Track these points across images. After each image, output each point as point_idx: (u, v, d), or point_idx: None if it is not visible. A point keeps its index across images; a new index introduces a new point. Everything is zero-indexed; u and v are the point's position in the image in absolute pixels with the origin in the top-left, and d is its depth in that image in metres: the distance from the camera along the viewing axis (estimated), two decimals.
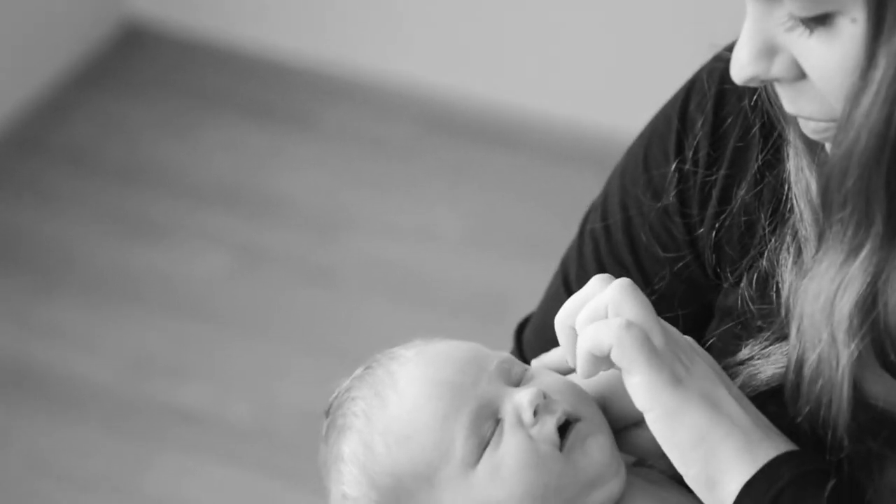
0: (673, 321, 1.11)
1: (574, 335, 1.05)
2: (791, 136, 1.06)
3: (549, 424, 1.07)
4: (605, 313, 1.04)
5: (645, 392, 1.02)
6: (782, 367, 1.06)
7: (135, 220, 3.11)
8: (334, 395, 1.15)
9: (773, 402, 1.06)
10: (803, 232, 1.05)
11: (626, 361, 1.02)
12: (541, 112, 3.30)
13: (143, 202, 3.15)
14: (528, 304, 1.32)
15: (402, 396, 1.10)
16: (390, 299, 2.96)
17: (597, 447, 1.08)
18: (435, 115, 3.35)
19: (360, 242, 3.09)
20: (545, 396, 1.07)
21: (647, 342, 1.02)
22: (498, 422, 1.08)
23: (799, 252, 1.05)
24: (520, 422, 1.07)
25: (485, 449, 1.07)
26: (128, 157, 3.25)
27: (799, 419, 1.04)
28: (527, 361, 1.21)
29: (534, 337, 1.24)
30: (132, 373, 2.79)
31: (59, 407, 2.72)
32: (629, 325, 1.02)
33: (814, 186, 1.04)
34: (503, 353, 1.13)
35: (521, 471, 1.06)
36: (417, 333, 2.94)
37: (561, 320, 1.07)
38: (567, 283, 1.21)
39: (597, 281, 1.06)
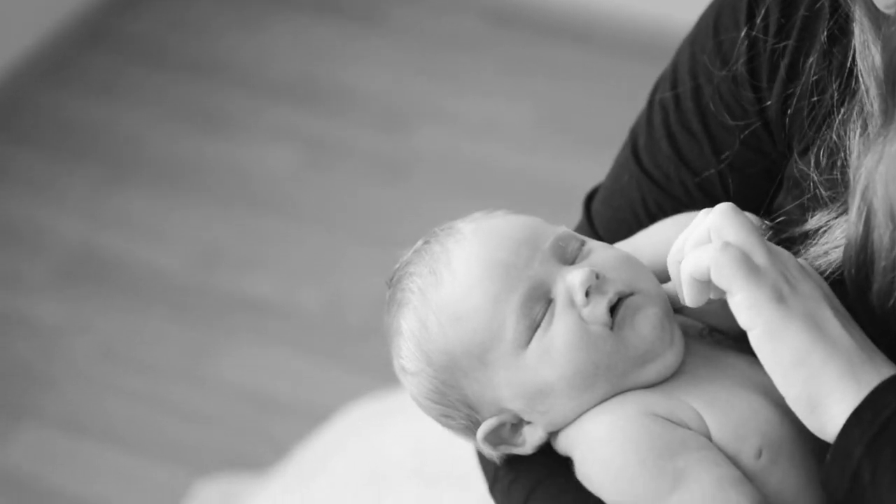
0: (741, 190, 1.11)
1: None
2: (857, 12, 1.05)
3: (601, 305, 1.07)
4: (707, 239, 1.04)
5: (746, 310, 1.01)
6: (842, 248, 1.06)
7: (205, 113, 3.14)
8: (396, 266, 1.16)
9: (836, 294, 1.06)
10: (869, 107, 1.04)
11: (724, 281, 1.01)
12: (610, 5, 3.28)
13: (214, 96, 3.18)
14: None
15: (455, 276, 1.10)
16: (457, 192, 2.98)
17: (647, 322, 1.07)
18: (502, 8, 3.34)
19: (429, 136, 3.11)
20: (598, 276, 1.07)
21: (745, 261, 1.01)
22: (549, 303, 1.08)
23: (865, 126, 1.05)
24: (571, 303, 1.07)
25: (536, 330, 1.08)
26: (198, 52, 3.28)
27: (860, 300, 1.04)
28: (595, 230, 1.21)
29: (602, 206, 1.23)
30: (202, 263, 2.83)
31: (130, 296, 2.77)
32: (725, 245, 1.01)
33: (878, 62, 1.03)
34: (561, 227, 1.12)
35: (571, 352, 1.07)
36: None
37: (671, 256, 1.07)
38: (636, 152, 1.20)
39: (703, 212, 1.06)
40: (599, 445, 1.07)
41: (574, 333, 1.07)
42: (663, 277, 1.12)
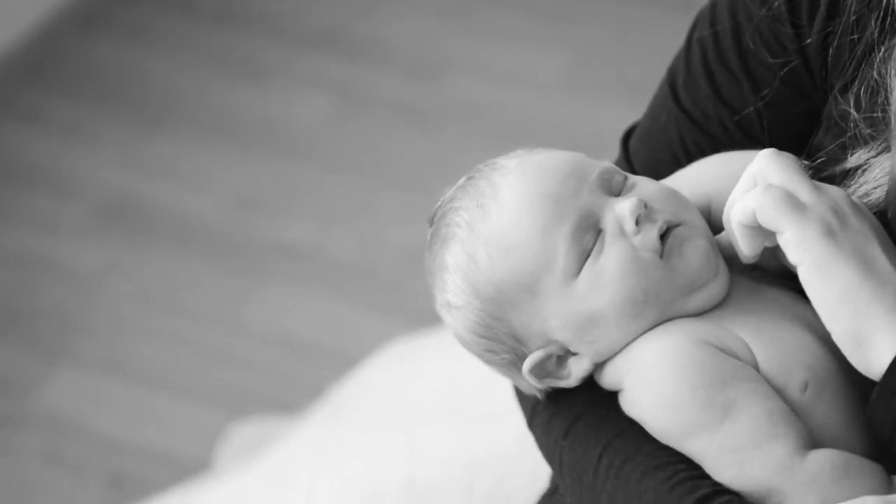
0: (780, 129, 1.12)
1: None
2: None
3: (652, 233, 1.08)
4: (753, 185, 1.05)
5: (795, 246, 1.01)
6: (884, 187, 1.07)
7: (239, 62, 3.16)
8: (438, 204, 1.16)
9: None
10: None
11: (771, 221, 1.02)
12: None
13: (247, 44, 3.19)
14: None
15: (503, 208, 1.10)
16: (488, 141, 2.99)
17: (694, 251, 1.08)
18: None
19: (459, 85, 3.12)
20: (646, 206, 1.08)
21: (788, 199, 1.01)
22: (599, 232, 1.09)
23: None
24: (621, 232, 1.08)
25: (586, 259, 1.08)
26: (232, 1, 3.29)
27: None
28: (633, 169, 1.22)
29: (640, 143, 1.23)
30: (236, 209, 2.86)
31: (165, 241, 2.79)
32: (769, 187, 1.02)
33: None
34: (605, 161, 1.13)
35: (622, 278, 1.07)
36: None
37: (725, 210, 1.07)
38: (674, 90, 1.20)
39: (750, 162, 1.06)
40: (650, 373, 1.07)
41: (626, 261, 1.07)
42: (703, 217, 1.13)
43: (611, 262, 1.08)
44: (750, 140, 1.16)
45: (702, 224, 1.11)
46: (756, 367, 1.07)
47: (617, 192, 1.11)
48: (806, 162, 1.13)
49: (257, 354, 2.60)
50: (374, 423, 1.89)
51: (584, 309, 1.09)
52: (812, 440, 1.05)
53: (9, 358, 2.59)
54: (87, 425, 2.50)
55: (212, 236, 2.80)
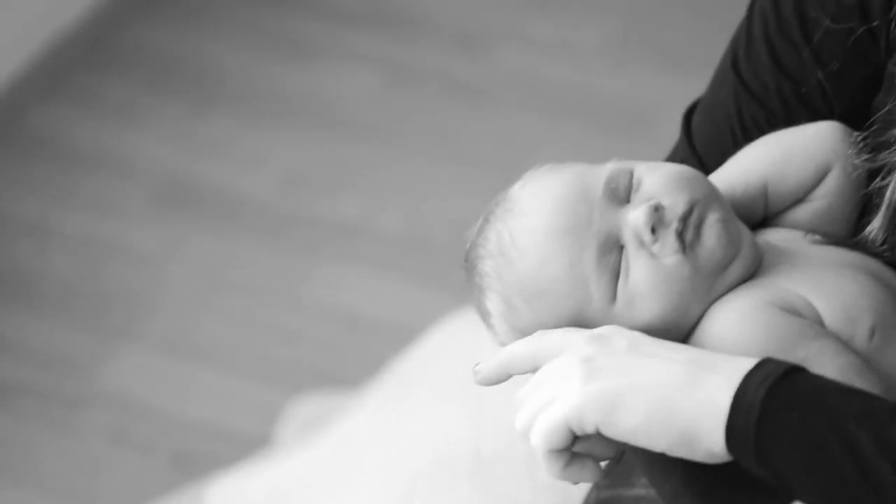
0: (843, 98, 1.12)
1: None
2: None
3: (669, 237, 1.08)
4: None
5: (581, 419, 1.04)
6: None
7: (287, 41, 3.18)
8: (466, 247, 1.16)
9: None
10: None
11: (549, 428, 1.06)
12: None
13: (294, 24, 3.21)
14: (673, 113, 1.33)
15: (524, 254, 1.11)
16: (535, 112, 3.01)
17: (711, 233, 1.08)
18: None
19: (506, 56, 3.13)
20: (657, 208, 1.08)
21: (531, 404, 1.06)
22: (622, 249, 1.09)
23: None
24: (641, 243, 1.08)
25: (617, 280, 1.09)
26: None
27: None
28: (692, 146, 1.22)
29: (702, 119, 1.23)
30: (288, 188, 2.88)
31: (221, 220, 2.82)
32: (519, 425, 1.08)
33: None
34: (608, 166, 1.12)
35: (655, 291, 1.08)
36: (562, 147, 2.99)
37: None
38: (735, 62, 1.20)
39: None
40: (720, 342, 1.07)
41: (652, 273, 1.08)
42: (742, 204, 1.14)
43: (640, 278, 1.08)
44: (810, 112, 1.17)
45: (712, 193, 1.10)
46: (821, 322, 1.07)
47: (626, 197, 1.10)
48: (857, 133, 1.13)
49: (315, 331, 2.63)
50: (438, 394, 1.89)
51: (633, 325, 1.09)
52: (887, 391, 1.05)
53: (74, 340, 2.63)
54: (151, 404, 2.54)
55: (266, 215, 2.83)
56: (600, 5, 3.21)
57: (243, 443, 2.44)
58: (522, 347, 1.10)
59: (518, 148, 2.93)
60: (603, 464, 1.08)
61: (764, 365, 1.00)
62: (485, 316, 1.16)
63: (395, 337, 2.50)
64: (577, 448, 1.05)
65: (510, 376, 1.11)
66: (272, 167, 2.92)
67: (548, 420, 1.04)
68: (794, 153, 1.13)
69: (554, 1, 3.23)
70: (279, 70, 3.12)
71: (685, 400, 1.00)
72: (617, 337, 1.05)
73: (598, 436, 1.04)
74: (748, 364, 1.00)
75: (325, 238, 2.79)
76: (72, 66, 3.11)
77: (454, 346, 1.97)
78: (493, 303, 1.14)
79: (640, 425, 1.01)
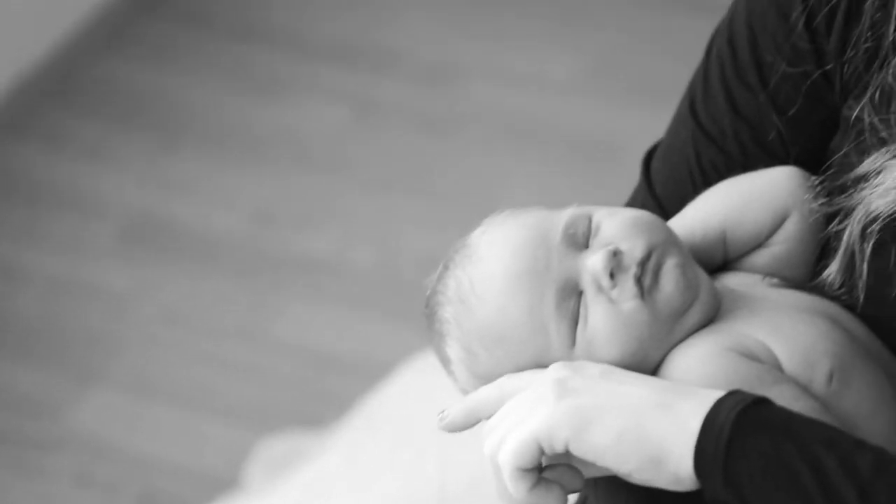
0: (799, 140, 1.12)
1: None
2: None
3: (628, 283, 1.08)
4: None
5: (550, 438, 1.03)
6: None
7: (255, 76, 3.17)
8: (427, 293, 1.16)
9: (894, 241, 1.07)
10: None
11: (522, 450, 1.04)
12: None
13: (262, 59, 3.21)
14: (642, 146, 1.32)
15: (483, 301, 1.10)
16: (505, 146, 3.00)
17: (669, 278, 1.08)
18: None
19: (475, 90, 3.13)
20: (616, 253, 1.08)
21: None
22: (580, 294, 1.09)
23: None
24: (600, 288, 1.08)
25: (576, 326, 1.08)
26: (246, 16, 3.31)
27: None
28: (652, 191, 1.22)
29: (660, 164, 1.22)
30: (258, 224, 2.87)
31: (190, 258, 2.81)
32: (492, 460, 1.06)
33: None
34: (566, 211, 1.12)
35: (613, 337, 1.07)
36: (531, 181, 2.99)
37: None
38: (693, 106, 1.19)
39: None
40: None
41: (610, 318, 1.08)
42: (701, 249, 1.14)
43: (599, 323, 1.08)
44: (767, 155, 1.16)
45: (670, 238, 1.11)
46: (779, 367, 1.06)
47: (584, 242, 1.10)
48: (814, 178, 1.13)
49: (284, 370, 2.62)
50: (405, 434, 1.90)
51: None
52: None
53: (39, 380, 2.61)
54: (118, 445, 2.52)
55: (235, 252, 2.82)
56: (569, 39, 3.22)
57: (211, 484, 2.43)
58: (490, 390, 1.09)
59: (488, 182, 2.93)
60: (570, 501, 1.08)
61: (735, 394, 1.01)
62: (445, 363, 1.15)
63: (366, 374, 2.49)
64: (545, 475, 1.05)
65: (478, 421, 1.10)
66: (241, 204, 2.91)
67: (517, 437, 1.03)
68: (752, 199, 1.13)
69: (522, 35, 3.23)
70: (247, 105, 3.11)
71: (657, 421, 1.00)
72: (589, 365, 1.06)
73: (567, 467, 1.04)
74: (719, 393, 1.01)
75: (293, 275, 2.78)
76: (37, 104, 3.10)
77: (421, 384, 1.97)
78: (453, 349, 1.13)
79: (610, 444, 1.01)
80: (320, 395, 2.57)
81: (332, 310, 2.72)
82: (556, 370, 1.05)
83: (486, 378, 1.11)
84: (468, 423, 1.10)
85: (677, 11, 3.21)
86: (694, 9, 3.18)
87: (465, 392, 1.14)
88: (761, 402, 1.00)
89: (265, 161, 2.99)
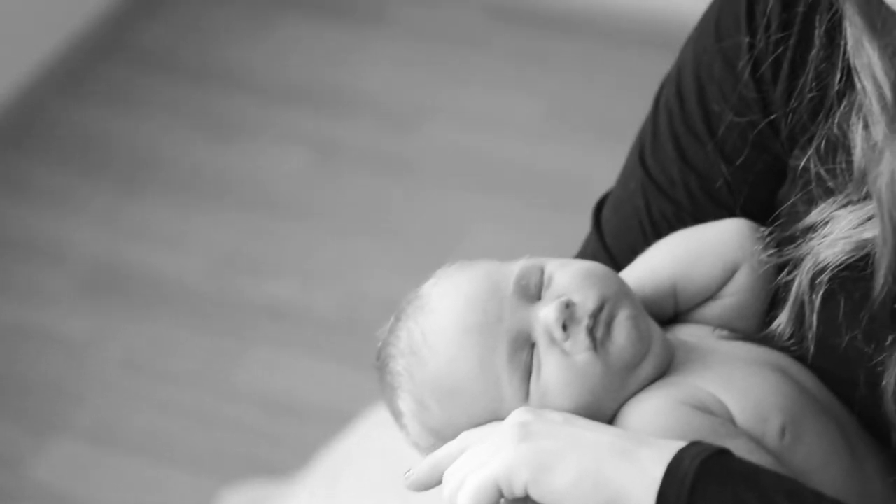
0: (747, 189, 1.12)
1: None
2: (847, 9, 1.06)
3: (580, 334, 1.07)
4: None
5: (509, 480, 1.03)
6: (850, 239, 1.07)
7: (215, 120, 3.17)
8: (379, 345, 1.16)
9: (843, 291, 1.08)
10: (868, 105, 1.05)
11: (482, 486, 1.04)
12: None
13: (225, 103, 3.20)
14: (605, 186, 1.33)
15: (435, 353, 1.10)
16: (468, 188, 3.00)
17: (622, 330, 1.08)
18: (506, 2, 3.36)
19: (437, 133, 3.13)
20: (568, 305, 1.07)
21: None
22: (533, 346, 1.08)
23: (867, 122, 1.05)
24: (552, 340, 1.08)
25: (529, 378, 1.08)
26: (206, 60, 3.30)
27: (879, 298, 1.05)
28: (603, 241, 1.22)
29: (610, 214, 1.23)
30: (219, 270, 2.86)
31: (151, 305, 2.80)
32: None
33: (875, 61, 1.04)
34: (518, 263, 1.12)
35: (566, 389, 1.07)
36: (494, 222, 2.98)
37: None
38: (642, 156, 1.20)
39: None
40: None
41: (563, 370, 1.07)
42: (652, 302, 1.14)
43: (551, 376, 1.07)
44: (717, 205, 1.17)
45: (622, 290, 1.11)
46: (732, 421, 1.06)
47: (537, 294, 1.10)
48: (763, 229, 1.14)
49: (247, 417, 2.60)
50: (367, 483, 1.89)
51: None
52: None
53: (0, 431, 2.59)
54: (80, 496, 2.49)
55: (197, 299, 2.80)
56: (530, 81, 3.22)
57: None
58: (453, 445, 1.09)
59: (451, 224, 2.93)
60: None
61: (697, 444, 1.01)
62: (397, 416, 1.14)
63: (329, 421, 2.47)
64: None
65: (442, 478, 1.09)
66: (202, 249, 2.89)
67: (477, 479, 1.03)
68: (701, 253, 1.13)
69: (484, 77, 3.23)
70: (208, 150, 3.10)
71: (617, 467, 1.00)
72: (551, 412, 1.05)
73: None
74: (681, 443, 1.01)
75: (255, 321, 2.76)
76: None
77: (383, 433, 1.96)
78: (405, 402, 1.12)
79: (570, 488, 1.00)
80: (284, 443, 2.55)
81: (294, 355, 2.70)
82: (518, 415, 1.05)
83: (439, 432, 1.11)
84: (433, 480, 1.09)
85: (633, 50, 3.22)
86: (655, 48, 3.18)
87: (417, 446, 1.14)
88: (723, 453, 1.00)
89: (226, 206, 2.98)
